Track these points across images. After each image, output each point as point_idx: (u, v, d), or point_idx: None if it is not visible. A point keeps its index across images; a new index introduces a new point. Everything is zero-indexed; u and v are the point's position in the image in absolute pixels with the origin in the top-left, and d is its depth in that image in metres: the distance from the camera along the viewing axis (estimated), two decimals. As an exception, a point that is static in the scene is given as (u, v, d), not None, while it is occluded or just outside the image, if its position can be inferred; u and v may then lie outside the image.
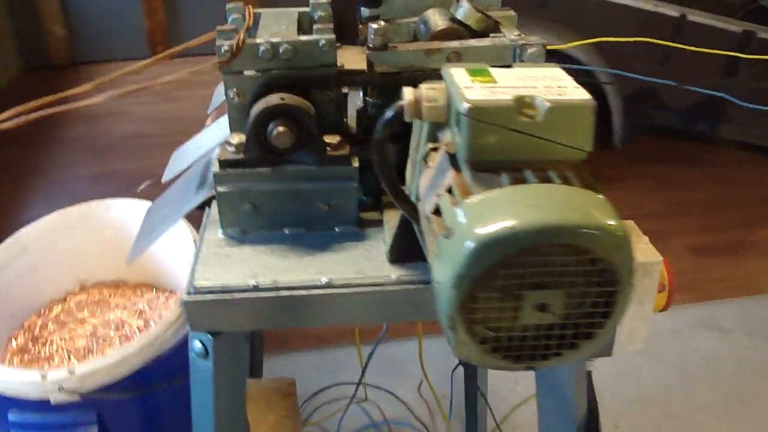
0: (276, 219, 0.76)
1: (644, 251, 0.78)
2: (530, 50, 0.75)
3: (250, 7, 0.83)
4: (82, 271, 1.08)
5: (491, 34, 0.79)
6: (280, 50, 0.73)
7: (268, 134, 0.72)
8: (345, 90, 0.81)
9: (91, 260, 1.08)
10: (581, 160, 0.52)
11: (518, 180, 0.49)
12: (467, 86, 0.51)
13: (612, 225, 0.46)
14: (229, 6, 0.82)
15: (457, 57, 0.77)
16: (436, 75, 0.70)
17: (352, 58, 0.81)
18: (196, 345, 0.72)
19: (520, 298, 0.47)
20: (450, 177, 0.53)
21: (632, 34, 2.54)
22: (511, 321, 0.49)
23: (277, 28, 0.79)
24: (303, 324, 0.69)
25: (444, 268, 0.47)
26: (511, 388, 1.87)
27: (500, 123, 0.49)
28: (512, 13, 0.87)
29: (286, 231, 0.76)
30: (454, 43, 0.77)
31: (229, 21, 0.82)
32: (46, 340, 0.97)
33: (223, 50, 0.73)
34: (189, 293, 0.69)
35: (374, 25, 0.75)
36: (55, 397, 0.78)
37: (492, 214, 0.46)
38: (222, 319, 0.70)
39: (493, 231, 0.45)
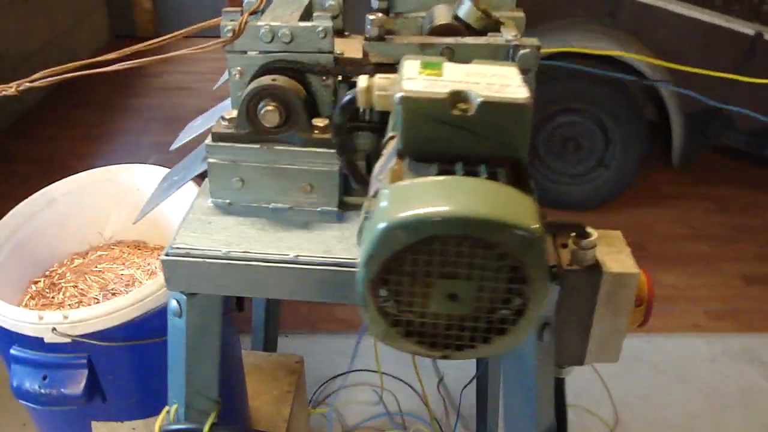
0: (261, 194, 0.79)
1: (622, 262, 0.76)
2: (522, 51, 0.76)
3: (264, -8, 0.87)
4: (105, 229, 1.15)
5: (489, 34, 0.80)
6: (279, 34, 0.77)
7: (257, 112, 0.75)
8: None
9: (114, 219, 1.15)
10: (520, 159, 0.53)
11: (446, 172, 0.50)
12: (410, 77, 0.53)
13: (522, 223, 0.46)
14: (245, -6, 0.86)
15: (450, 53, 0.78)
16: None
17: (354, 47, 0.83)
18: (172, 303, 0.77)
19: (430, 286, 0.49)
20: (392, 164, 0.55)
21: (701, 50, 2.45)
22: (423, 307, 0.50)
23: (283, 13, 0.82)
24: (267, 295, 0.73)
25: (361, 247, 0.49)
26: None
27: (433, 114, 0.50)
28: (520, 14, 0.87)
29: (270, 206, 0.80)
30: (449, 39, 0.78)
31: (243, 3, 0.86)
32: (62, 288, 1.05)
33: (226, 30, 0.77)
34: (167, 254, 0.73)
35: (371, 17, 0.78)
36: (49, 337, 0.85)
37: (408, 201, 0.47)
38: (195, 281, 0.74)
39: (403, 216, 0.46)
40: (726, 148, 2.66)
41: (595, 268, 0.75)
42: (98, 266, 1.10)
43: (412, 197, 0.47)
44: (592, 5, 2.46)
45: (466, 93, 0.51)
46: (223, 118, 0.79)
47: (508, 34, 0.78)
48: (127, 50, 0.82)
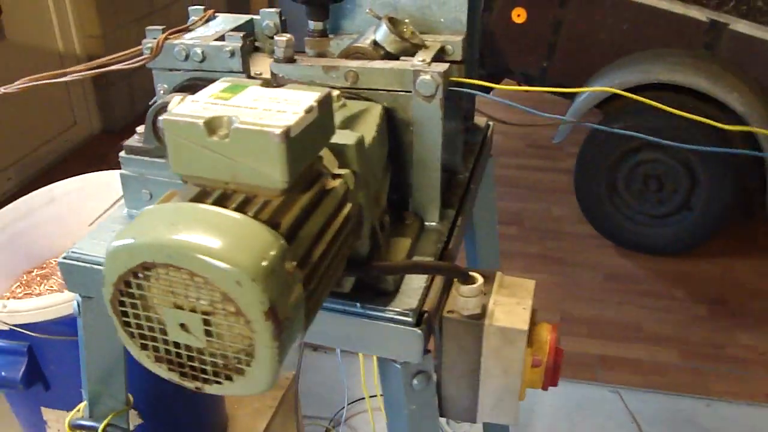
0: (167, 207, 0.81)
1: (514, 316, 0.69)
2: (421, 77, 0.72)
3: (210, 11, 0.90)
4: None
5: (402, 58, 0.76)
6: (191, 53, 0.79)
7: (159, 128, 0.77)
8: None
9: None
10: (282, 190, 0.50)
11: (196, 198, 0.49)
12: (194, 100, 0.52)
13: (231, 258, 0.43)
14: (191, 8, 0.89)
15: (354, 76, 0.75)
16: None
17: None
18: (74, 304, 0.80)
19: (161, 313, 0.47)
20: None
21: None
22: (162, 334, 0.49)
23: (207, 33, 0.83)
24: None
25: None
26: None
27: (191, 139, 0.49)
28: (457, 38, 0.82)
29: (175, 220, 0.81)
30: (354, 63, 0.75)
31: (188, 21, 0.89)
32: (49, 281, 1.14)
33: (145, 48, 0.80)
34: (63, 257, 0.77)
35: (280, 38, 0.77)
36: (-9, 323, 0.92)
37: (140, 224, 0.47)
38: (89, 286, 0.77)
39: (122, 241, 0.45)
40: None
41: (476, 318, 0.69)
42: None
43: (147, 221, 0.46)
44: (689, 35, 2.26)
45: (228, 119, 0.49)
46: (136, 131, 0.82)
47: (417, 59, 0.74)
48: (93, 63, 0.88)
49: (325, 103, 0.53)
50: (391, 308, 0.67)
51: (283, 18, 0.88)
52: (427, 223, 0.81)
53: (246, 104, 0.51)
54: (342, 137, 0.60)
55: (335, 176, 0.58)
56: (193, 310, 0.46)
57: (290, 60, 0.78)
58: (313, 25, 0.86)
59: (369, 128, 0.67)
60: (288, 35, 0.78)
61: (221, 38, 0.82)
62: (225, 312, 0.45)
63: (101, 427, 0.83)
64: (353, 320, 0.68)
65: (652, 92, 2.25)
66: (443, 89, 0.72)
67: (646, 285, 2.38)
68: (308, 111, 0.51)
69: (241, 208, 0.48)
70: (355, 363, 2.09)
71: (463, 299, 0.68)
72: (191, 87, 0.81)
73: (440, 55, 0.82)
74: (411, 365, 0.70)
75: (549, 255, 2.58)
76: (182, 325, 0.47)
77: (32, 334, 0.92)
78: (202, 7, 0.90)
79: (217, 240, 0.44)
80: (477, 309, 0.69)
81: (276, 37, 0.78)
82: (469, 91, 0.80)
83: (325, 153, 0.59)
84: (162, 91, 0.83)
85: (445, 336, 0.70)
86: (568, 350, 2.37)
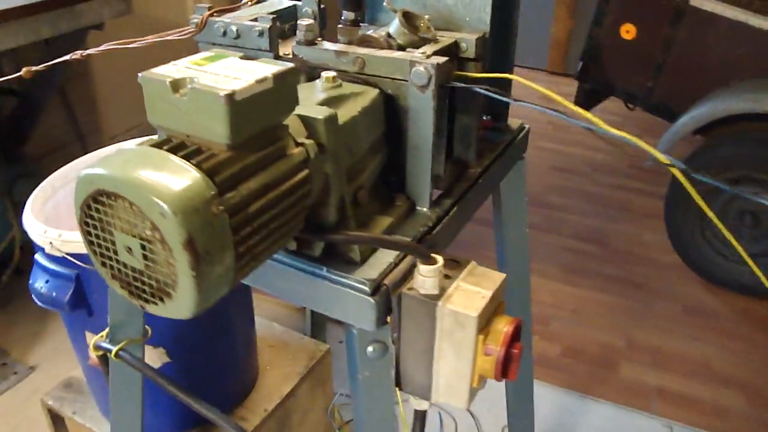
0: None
1: (469, 302, 0.72)
2: (415, 68, 0.76)
3: (263, -6, 0.99)
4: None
5: (408, 49, 0.81)
6: (228, 30, 0.88)
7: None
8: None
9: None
10: (228, 146, 0.57)
11: (157, 144, 0.57)
12: (175, 63, 0.61)
13: (162, 193, 0.51)
14: (253, -14, 0.99)
15: (362, 63, 0.81)
16: (347, 75, 0.78)
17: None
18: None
19: (113, 235, 0.56)
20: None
21: None
22: (115, 255, 0.57)
23: (255, 13, 0.92)
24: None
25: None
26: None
27: (160, 94, 0.57)
28: (472, 36, 0.86)
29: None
30: (362, 50, 0.81)
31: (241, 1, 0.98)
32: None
33: (191, 23, 0.90)
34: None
35: (302, 22, 0.84)
36: (48, 249, 1.07)
37: (109, 159, 0.56)
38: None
39: (89, 170, 0.55)
40: None
41: (433, 298, 0.72)
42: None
43: (114, 157, 0.55)
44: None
45: (190, 79, 0.57)
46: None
47: (418, 52, 0.79)
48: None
49: (281, 77, 0.59)
50: (353, 276, 0.73)
51: (322, 6, 0.95)
52: (418, 208, 0.85)
53: (214, 71, 0.59)
54: (314, 111, 0.66)
55: (299, 144, 0.65)
56: (134, 236, 0.55)
57: (311, 43, 0.85)
58: (345, 14, 0.93)
59: (352, 109, 0.73)
60: (310, 20, 0.86)
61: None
62: (155, 240, 0.53)
63: (114, 350, 0.95)
64: (319, 282, 0.74)
65: (762, 122, 2.12)
66: (436, 81, 0.76)
67: (725, 323, 2.23)
68: (260, 81, 0.57)
69: (187, 156, 0.55)
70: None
71: (422, 278, 0.72)
72: (226, 61, 0.91)
73: (452, 51, 0.85)
74: (367, 333, 0.75)
75: (628, 279, 2.49)
76: (128, 249, 0.56)
77: (81, 263, 1.07)
78: (261, -14, 0.99)
79: (154, 177, 0.52)
80: (434, 290, 0.72)
81: (299, 21, 0.85)
82: (476, 88, 0.83)
83: (295, 123, 0.66)
84: (205, 63, 0.93)
85: (403, 312, 0.74)
86: (626, 377, 2.30)
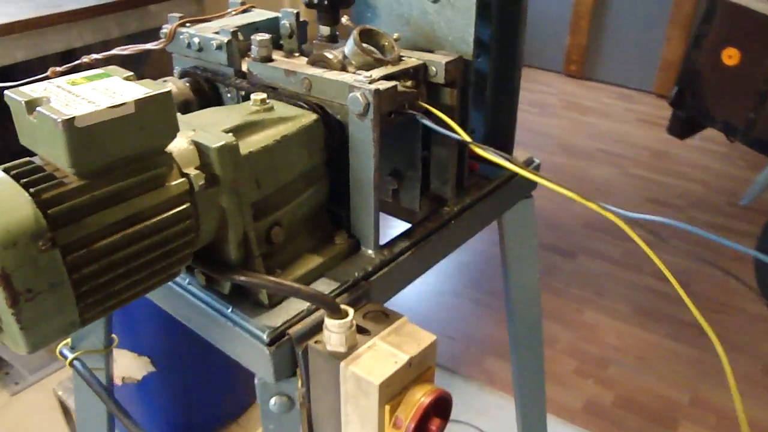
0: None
1: (376, 366, 0.62)
2: (352, 93, 0.68)
3: (247, 5, 0.94)
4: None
5: (358, 71, 0.73)
6: (190, 42, 0.84)
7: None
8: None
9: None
10: (77, 174, 0.52)
11: (9, 168, 0.54)
12: (51, 83, 0.57)
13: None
14: (231, 0, 0.94)
15: (308, 84, 0.74)
16: (294, 95, 0.74)
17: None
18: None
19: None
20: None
21: None
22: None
23: (227, 25, 0.87)
24: None
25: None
26: None
27: (19, 115, 0.54)
28: (441, 60, 0.76)
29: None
30: (310, 71, 0.74)
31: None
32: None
33: (161, 33, 0.87)
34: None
35: (257, 37, 0.79)
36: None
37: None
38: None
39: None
40: None
41: (337, 356, 0.64)
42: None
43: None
44: None
45: (44, 100, 0.52)
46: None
47: (363, 74, 0.71)
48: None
49: (146, 102, 0.53)
50: (254, 321, 0.66)
51: (301, 20, 0.89)
52: (363, 248, 0.76)
53: (79, 92, 0.54)
54: (211, 139, 0.60)
55: (184, 174, 0.59)
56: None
57: (265, 60, 0.79)
58: (320, 29, 0.86)
59: (269, 137, 0.66)
60: (267, 35, 0.80)
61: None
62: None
63: (68, 360, 0.94)
64: (223, 322, 0.68)
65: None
66: (376, 109, 0.68)
67: (813, 396, 1.94)
68: (115, 106, 0.52)
69: (32, 183, 0.51)
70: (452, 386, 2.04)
71: (327, 333, 0.64)
72: (191, 74, 0.87)
73: (419, 75, 0.76)
74: (270, 385, 0.68)
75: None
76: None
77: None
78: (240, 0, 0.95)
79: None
80: (340, 347, 0.64)
81: (253, 36, 0.79)
82: (424, 121, 0.74)
83: (185, 150, 0.60)
84: (176, 74, 0.90)
85: (310, 367, 0.66)
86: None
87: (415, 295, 2.54)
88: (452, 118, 0.79)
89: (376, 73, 0.71)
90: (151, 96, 0.54)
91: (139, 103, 0.53)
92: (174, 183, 0.58)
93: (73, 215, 0.51)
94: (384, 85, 0.68)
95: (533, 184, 1.00)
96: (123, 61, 0.85)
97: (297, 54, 0.89)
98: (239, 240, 0.64)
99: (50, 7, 1.85)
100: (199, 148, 0.60)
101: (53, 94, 0.53)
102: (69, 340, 0.98)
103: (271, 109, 0.70)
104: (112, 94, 0.54)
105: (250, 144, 0.64)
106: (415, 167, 0.84)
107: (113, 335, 1.00)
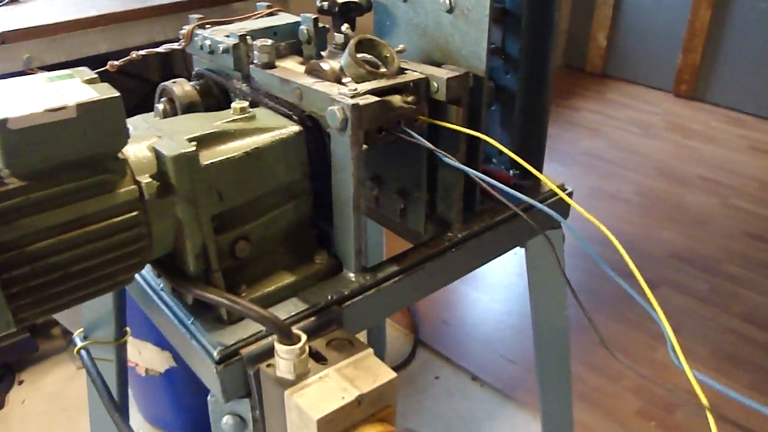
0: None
1: (321, 399, 0.58)
2: (330, 107, 0.64)
3: (272, 8, 0.92)
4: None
5: (349, 83, 0.69)
6: (204, 45, 0.83)
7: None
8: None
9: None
10: (12, 176, 0.52)
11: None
12: (22, 80, 0.57)
13: None
14: (258, 3, 0.93)
15: (299, 94, 0.71)
16: (291, 105, 0.72)
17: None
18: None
19: None
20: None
21: None
22: None
23: (248, 28, 0.85)
24: None
25: None
26: None
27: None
28: (442, 74, 0.70)
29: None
30: (301, 81, 0.71)
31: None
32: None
33: (180, 34, 0.87)
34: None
35: (259, 43, 0.76)
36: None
37: None
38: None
39: None
40: None
41: (284, 383, 0.60)
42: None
43: None
44: None
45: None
46: (157, 106, 0.90)
47: (348, 87, 0.66)
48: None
49: (88, 107, 0.52)
50: (208, 336, 0.63)
51: (320, 25, 0.86)
52: (344, 270, 0.72)
53: (33, 92, 0.54)
54: (170, 147, 0.58)
55: (136, 181, 0.57)
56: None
57: (267, 66, 0.77)
58: (336, 36, 0.83)
59: (238, 148, 0.63)
60: (270, 41, 0.77)
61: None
62: None
63: (76, 348, 0.96)
64: (183, 333, 0.66)
65: None
66: (355, 124, 0.63)
67: None
68: (53, 110, 0.51)
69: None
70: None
71: (277, 358, 0.60)
72: (204, 76, 0.86)
73: (420, 90, 0.71)
74: (222, 403, 0.65)
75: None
76: None
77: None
78: (267, 3, 0.93)
79: None
80: (288, 374, 0.60)
81: (256, 41, 0.77)
82: (418, 139, 0.68)
83: (143, 157, 0.59)
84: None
85: (262, 389, 0.63)
86: None
87: (481, 312, 2.45)
88: (456, 138, 0.74)
89: (364, 86, 0.67)
90: (95, 101, 0.53)
91: (81, 107, 0.52)
92: (123, 190, 0.56)
93: (5, 216, 0.51)
94: (366, 99, 0.64)
95: (566, 214, 0.92)
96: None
97: (314, 61, 0.86)
98: (197, 252, 0.62)
99: (138, 2, 1.93)
100: (157, 155, 0.59)
101: (6, 94, 0.53)
102: (81, 329, 1.01)
103: (252, 118, 0.68)
104: (59, 97, 0.53)
105: (214, 154, 0.61)
106: (420, 187, 0.79)
107: (127, 328, 1.02)
